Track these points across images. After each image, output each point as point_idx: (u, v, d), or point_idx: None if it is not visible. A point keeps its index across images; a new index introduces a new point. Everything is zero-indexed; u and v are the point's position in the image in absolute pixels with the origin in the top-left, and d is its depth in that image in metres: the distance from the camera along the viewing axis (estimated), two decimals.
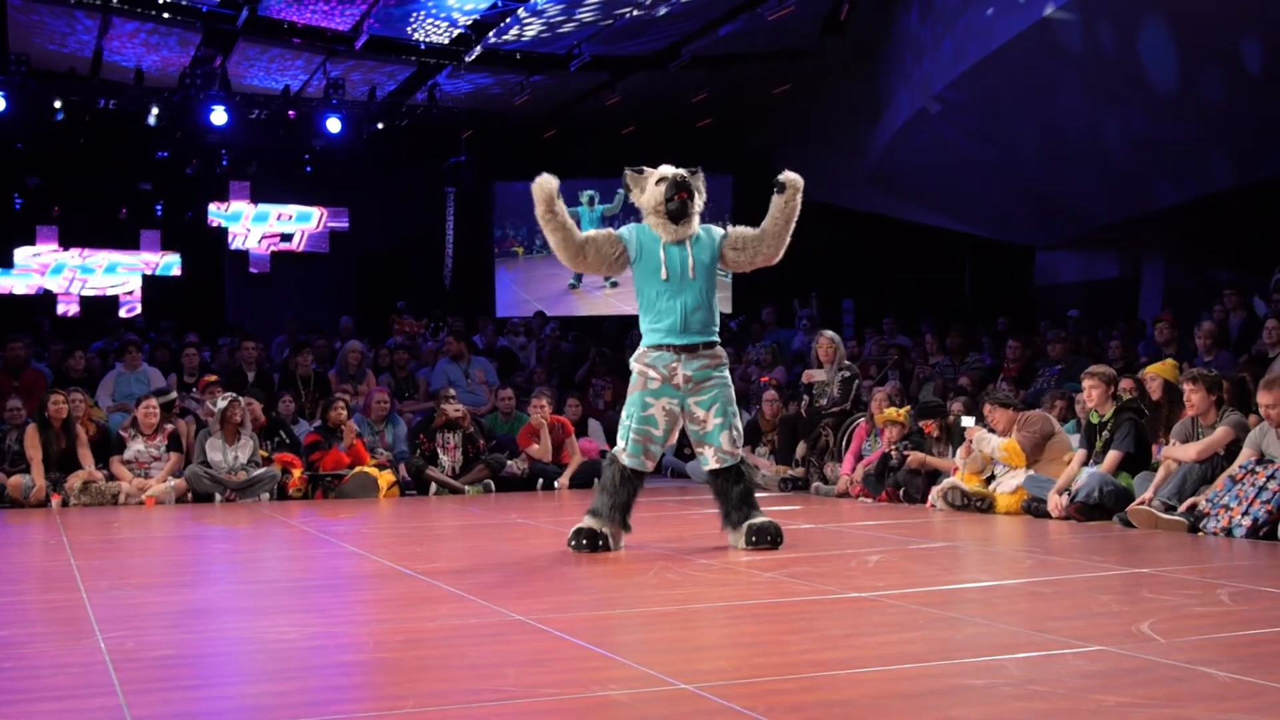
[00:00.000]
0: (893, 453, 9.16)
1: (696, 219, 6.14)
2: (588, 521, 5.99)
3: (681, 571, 5.33)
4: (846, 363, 10.55)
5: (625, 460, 6.02)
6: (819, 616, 4.29)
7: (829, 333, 10.67)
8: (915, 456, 8.95)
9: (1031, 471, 8.02)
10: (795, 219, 6.09)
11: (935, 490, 8.48)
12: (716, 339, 6.08)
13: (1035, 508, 7.78)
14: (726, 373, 6.10)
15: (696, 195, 6.07)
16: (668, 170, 6.12)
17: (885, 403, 9.56)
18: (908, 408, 9.54)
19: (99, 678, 3.41)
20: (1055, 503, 7.59)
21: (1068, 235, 15.51)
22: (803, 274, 16.51)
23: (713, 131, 18.17)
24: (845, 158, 16.84)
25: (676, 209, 6.00)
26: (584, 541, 5.93)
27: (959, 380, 11.31)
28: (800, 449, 10.46)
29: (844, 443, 10.02)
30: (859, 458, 9.69)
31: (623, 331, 16.22)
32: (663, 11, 13.69)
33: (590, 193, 18.99)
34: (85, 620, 4.27)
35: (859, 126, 16.12)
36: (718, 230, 6.23)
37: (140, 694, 3.22)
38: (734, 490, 6.06)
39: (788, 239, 6.14)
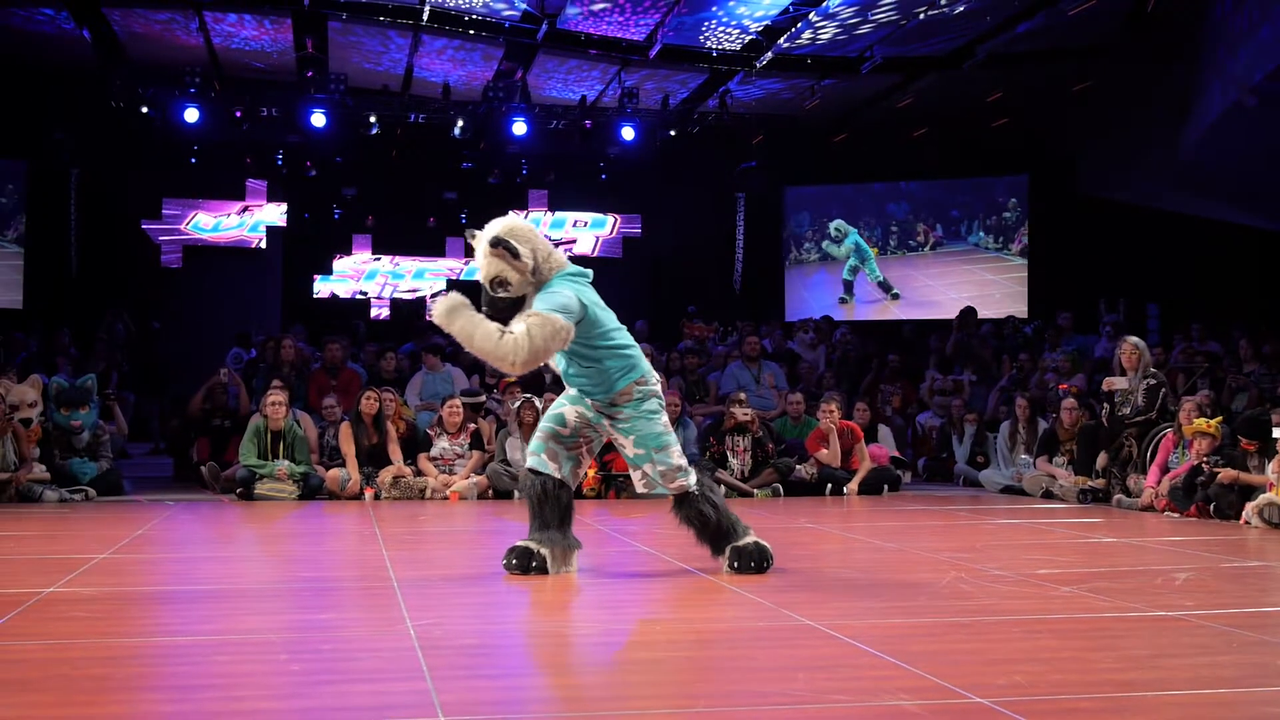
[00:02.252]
0: (1204, 466, 8.68)
1: (522, 303, 5.20)
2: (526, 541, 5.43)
3: (975, 582, 5.21)
4: (1152, 370, 10.07)
5: (529, 461, 5.46)
6: (1122, 634, 4.12)
7: (1133, 339, 10.21)
8: (1227, 472, 8.45)
9: None
10: (473, 344, 4.98)
11: (1250, 506, 7.99)
12: (617, 388, 5.31)
13: None
14: (649, 404, 5.35)
15: (503, 290, 5.19)
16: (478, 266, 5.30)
17: (1195, 413, 9.07)
18: (1219, 419, 9.02)
19: (409, 663, 3.59)
20: None
21: None
22: (1105, 278, 15.88)
23: (1008, 131, 17.65)
24: (1151, 156, 16.05)
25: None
26: (514, 561, 5.36)
27: (1277, 390, 10.63)
28: (1101, 460, 10.04)
29: (1149, 454, 9.56)
30: (1165, 470, 9.22)
31: (919, 335, 15.93)
32: (960, 10, 13.40)
33: (838, 224, 18.97)
34: (396, 608, 4.51)
35: (1166, 123, 15.36)
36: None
37: (447, 680, 3.38)
38: (693, 522, 5.44)
39: (487, 358, 5.04)
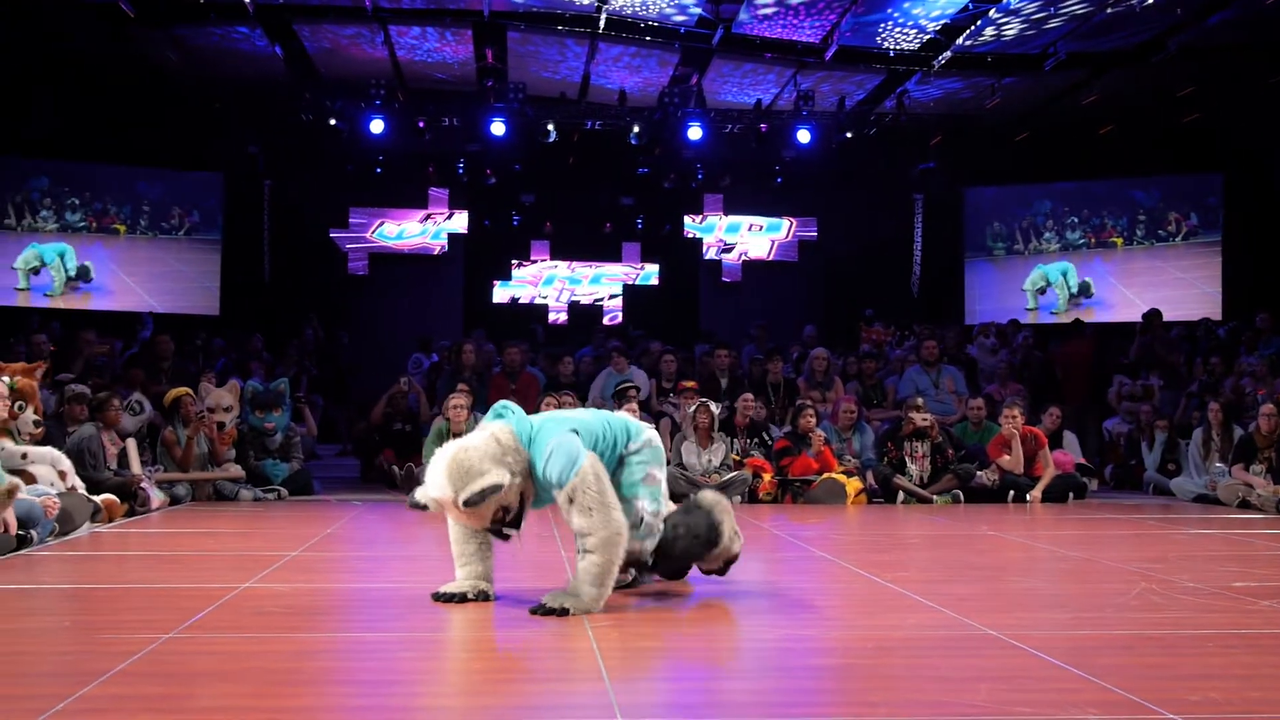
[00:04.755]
0: None
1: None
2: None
3: (1166, 594, 5.03)
4: None
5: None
6: None
7: None
8: None
9: None
10: (611, 576, 4.54)
11: None
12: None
13: None
14: (639, 456, 4.96)
15: (508, 514, 4.60)
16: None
17: None
18: None
19: (587, 664, 3.64)
20: None
21: None
22: None
23: (1199, 128, 17.01)
24: None
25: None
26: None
27: None
28: None
29: None
30: None
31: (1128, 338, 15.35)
32: (1149, 2, 12.97)
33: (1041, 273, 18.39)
34: None
35: None
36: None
37: (625, 681, 3.41)
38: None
39: (619, 557, 4.57)
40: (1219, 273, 17.57)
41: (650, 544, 4.72)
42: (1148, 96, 16.28)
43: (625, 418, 5.01)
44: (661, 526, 4.77)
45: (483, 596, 4.76)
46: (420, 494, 4.60)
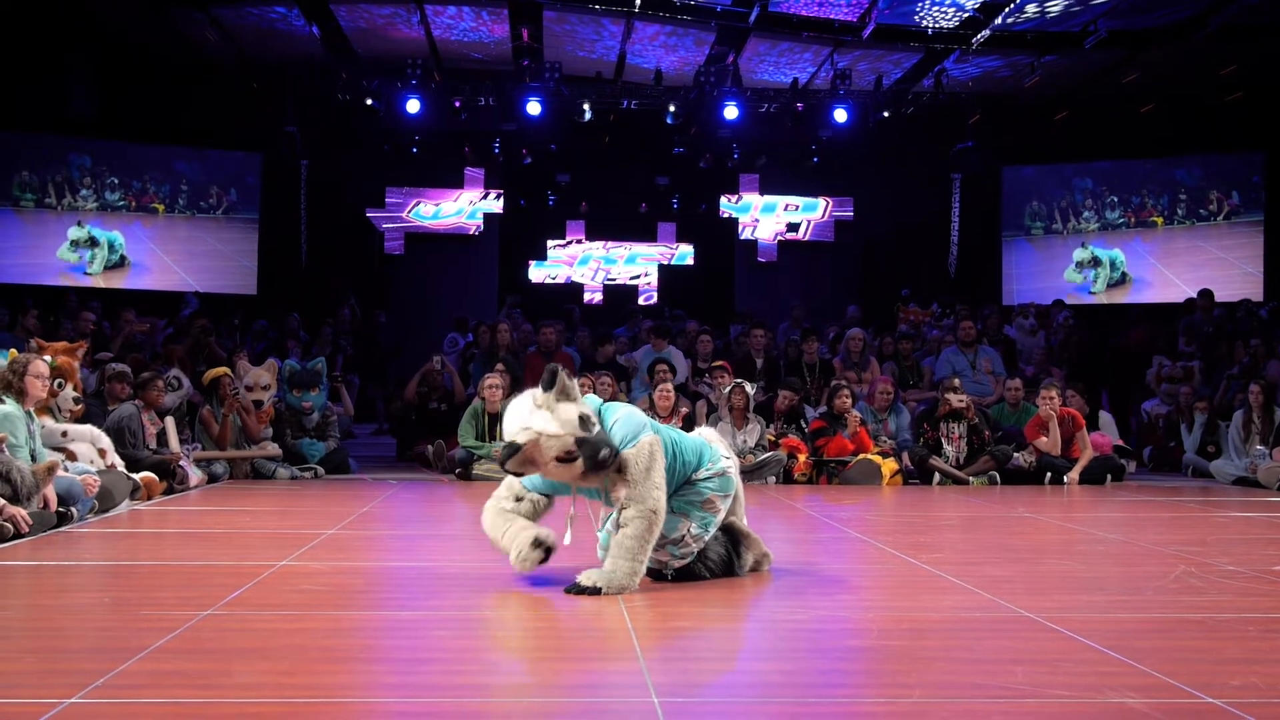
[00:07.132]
0: None
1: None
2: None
3: (1205, 577, 4.99)
4: None
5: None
6: None
7: None
8: None
9: None
10: (643, 552, 4.50)
11: None
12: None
13: None
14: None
15: (590, 428, 4.40)
16: (561, 430, 4.33)
17: None
18: None
19: (623, 644, 3.64)
20: None
21: None
22: None
23: (1242, 107, 16.81)
24: None
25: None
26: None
27: None
28: None
29: None
30: None
31: (1172, 319, 15.19)
32: None
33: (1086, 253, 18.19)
34: None
35: None
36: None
37: (660, 662, 3.41)
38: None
39: (655, 534, 4.54)
40: (1261, 252, 17.36)
41: (678, 563, 4.73)
42: (1189, 75, 16.12)
43: (705, 442, 4.94)
44: (695, 551, 4.77)
45: (546, 548, 4.71)
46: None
